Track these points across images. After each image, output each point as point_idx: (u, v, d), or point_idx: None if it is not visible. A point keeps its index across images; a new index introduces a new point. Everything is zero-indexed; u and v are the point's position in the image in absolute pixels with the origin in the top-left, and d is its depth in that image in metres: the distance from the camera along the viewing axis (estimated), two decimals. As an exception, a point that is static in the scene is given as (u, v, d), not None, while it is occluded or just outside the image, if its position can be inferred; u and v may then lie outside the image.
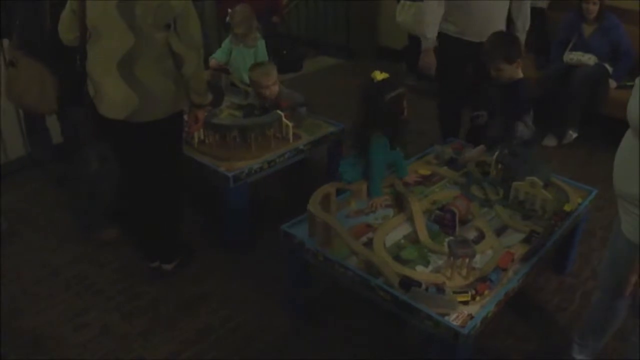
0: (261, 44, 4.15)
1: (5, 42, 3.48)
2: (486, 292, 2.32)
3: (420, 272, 2.44)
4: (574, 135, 4.82)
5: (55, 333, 2.88)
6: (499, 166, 3.07)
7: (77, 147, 3.31)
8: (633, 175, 1.97)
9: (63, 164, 3.96)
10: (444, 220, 2.72)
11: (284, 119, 3.52)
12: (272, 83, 3.68)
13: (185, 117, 3.02)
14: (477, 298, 2.29)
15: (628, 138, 2.05)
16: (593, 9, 4.64)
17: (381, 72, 2.87)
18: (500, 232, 2.74)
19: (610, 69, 4.72)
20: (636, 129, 1.93)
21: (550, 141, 4.82)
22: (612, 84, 4.68)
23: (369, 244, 2.60)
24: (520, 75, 3.15)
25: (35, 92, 3.06)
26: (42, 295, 3.12)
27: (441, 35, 3.77)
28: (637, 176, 1.96)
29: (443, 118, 4.18)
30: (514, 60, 3.13)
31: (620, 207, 2.16)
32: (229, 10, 4.06)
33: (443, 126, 4.16)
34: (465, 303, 2.27)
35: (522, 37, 3.78)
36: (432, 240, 2.64)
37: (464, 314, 2.23)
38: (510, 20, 3.84)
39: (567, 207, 2.88)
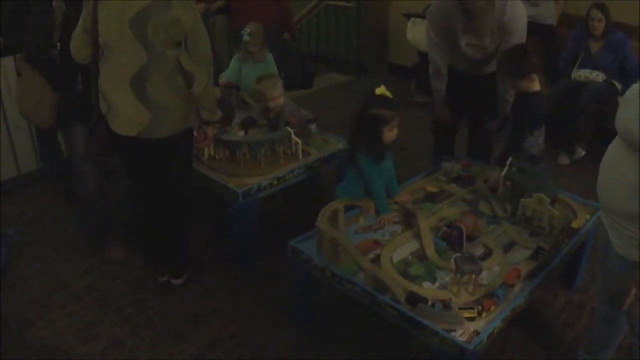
0: (270, 57, 4.20)
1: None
2: (492, 308, 2.33)
3: (427, 289, 2.45)
4: (582, 152, 4.82)
5: (64, 345, 2.90)
6: (507, 183, 3.08)
7: (74, 164, 3.33)
8: (626, 190, 1.96)
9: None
10: (451, 237, 2.72)
11: (293, 136, 3.55)
12: (277, 95, 3.71)
13: (195, 133, 3.06)
14: (483, 314, 2.29)
15: (613, 152, 2.04)
16: (599, 25, 4.65)
17: (385, 90, 2.87)
18: (507, 248, 2.75)
19: (619, 85, 4.73)
20: (635, 141, 1.91)
21: (564, 159, 4.82)
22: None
23: (376, 260, 2.61)
24: (537, 88, 3.10)
25: (32, 103, 3.11)
26: (51, 307, 3.15)
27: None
28: (628, 189, 1.94)
29: (436, 135, 4.01)
30: (527, 74, 3.05)
31: (605, 221, 2.15)
32: (246, 29, 4.08)
33: (436, 144, 4.03)
34: (472, 319, 2.27)
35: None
36: (439, 256, 2.65)
37: (470, 329, 2.24)
38: None
39: (574, 224, 2.88)
